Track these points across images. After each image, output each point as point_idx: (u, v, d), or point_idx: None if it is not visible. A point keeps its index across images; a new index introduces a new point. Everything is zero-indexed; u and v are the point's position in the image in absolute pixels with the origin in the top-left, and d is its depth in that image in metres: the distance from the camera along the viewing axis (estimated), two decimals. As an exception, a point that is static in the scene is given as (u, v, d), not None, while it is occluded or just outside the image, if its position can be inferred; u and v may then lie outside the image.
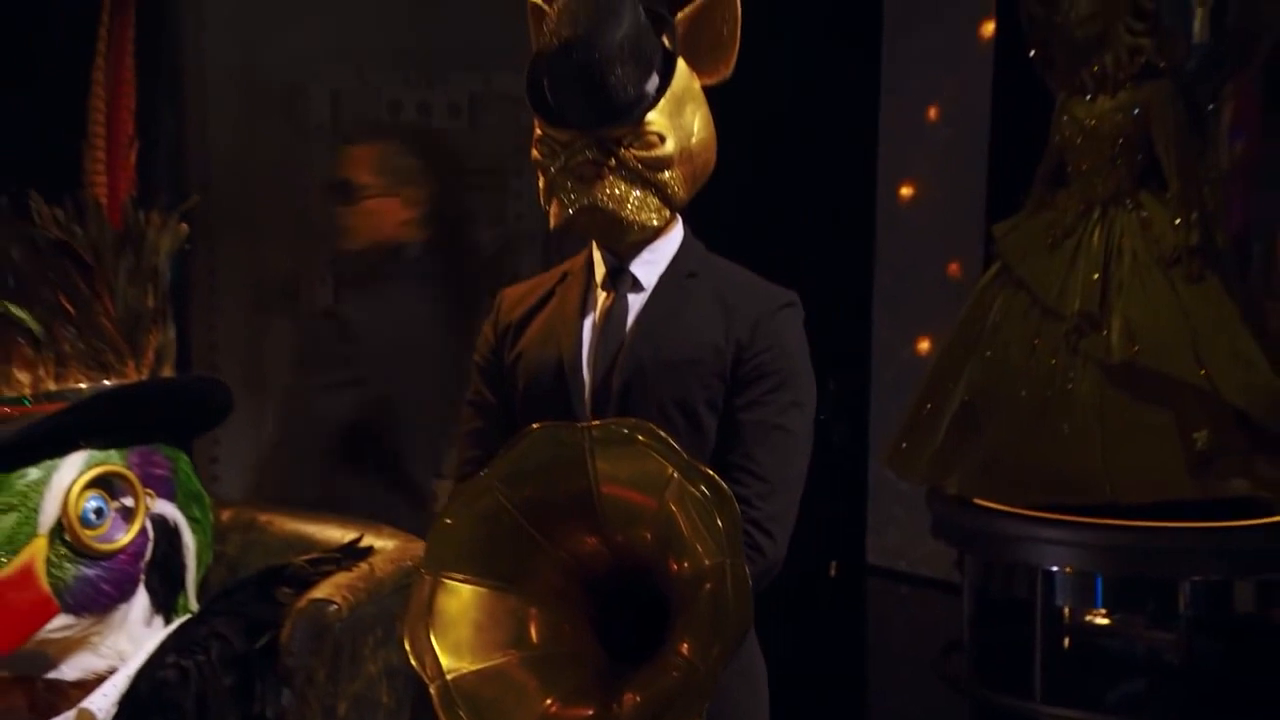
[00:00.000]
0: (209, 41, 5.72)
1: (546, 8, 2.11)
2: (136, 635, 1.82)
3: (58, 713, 1.77)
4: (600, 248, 2.11)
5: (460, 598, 1.60)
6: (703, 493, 1.50)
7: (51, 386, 1.75)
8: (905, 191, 5.57)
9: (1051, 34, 4.23)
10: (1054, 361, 4.10)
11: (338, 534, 2.04)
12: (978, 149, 5.21)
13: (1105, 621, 4.52)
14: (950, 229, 5.37)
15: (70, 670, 1.78)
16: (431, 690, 1.56)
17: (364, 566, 1.91)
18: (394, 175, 3.74)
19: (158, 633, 1.84)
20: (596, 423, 1.63)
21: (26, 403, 1.75)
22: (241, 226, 5.18)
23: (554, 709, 1.55)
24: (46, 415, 1.72)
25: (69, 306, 1.76)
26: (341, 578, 1.87)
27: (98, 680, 1.79)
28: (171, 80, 5.72)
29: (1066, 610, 4.45)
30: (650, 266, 2.08)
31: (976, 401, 4.24)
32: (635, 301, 2.06)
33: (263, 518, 2.10)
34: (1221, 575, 4.14)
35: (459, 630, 1.60)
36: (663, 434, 1.53)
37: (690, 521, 1.51)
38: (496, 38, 5.66)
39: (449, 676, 1.56)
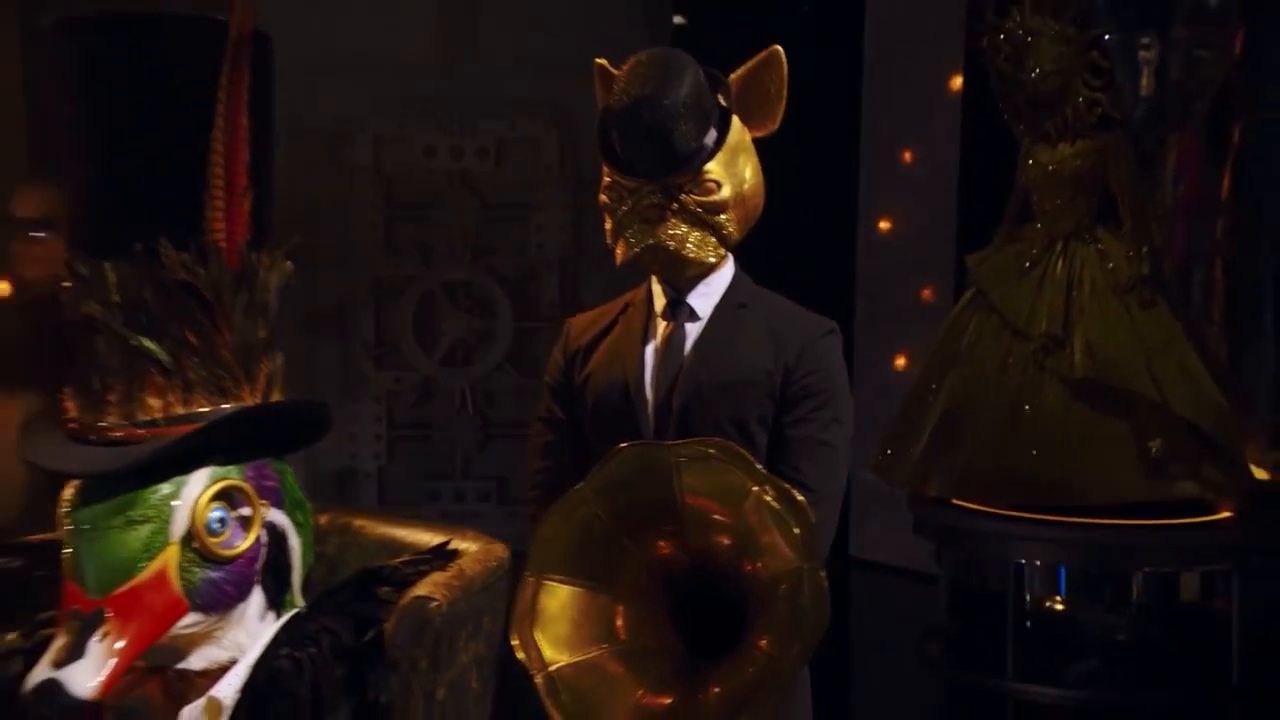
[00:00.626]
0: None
1: (613, 70, 2.13)
2: (253, 629, 1.82)
3: (187, 700, 1.77)
4: (660, 282, 2.13)
5: (559, 597, 1.62)
6: (779, 504, 1.52)
7: (179, 410, 1.76)
8: (883, 225, 5.62)
9: (1018, 88, 4.26)
10: (1023, 377, 4.13)
11: (424, 537, 2.04)
12: (947, 187, 5.26)
13: (1063, 607, 4.53)
14: (923, 258, 5.40)
15: (197, 661, 1.78)
16: (537, 680, 1.57)
17: (455, 567, 1.92)
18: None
19: (270, 627, 1.85)
20: (683, 442, 1.64)
21: (158, 425, 1.76)
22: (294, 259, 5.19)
23: (643, 698, 1.56)
24: (176, 437, 1.72)
25: (193, 339, 1.77)
26: (437, 577, 1.88)
27: (220, 670, 1.79)
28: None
29: (1027, 597, 4.47)
30: (706, 299, 2.11)
31: (954, 413, 4.26)
32: (692, 330, 2.09)
33: (356, 522, 2.11)
34: (1170, 567, 4.20)
35: (558, 626, 1.61)
36: (743, 452, 1.55)
37: (767, 530, 1.53)
38: (520, 90, 5.73)
39: (551, 668, 1.58)
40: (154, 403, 1.75)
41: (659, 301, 2.13)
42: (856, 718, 4.41)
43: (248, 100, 1.81)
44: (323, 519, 2.02)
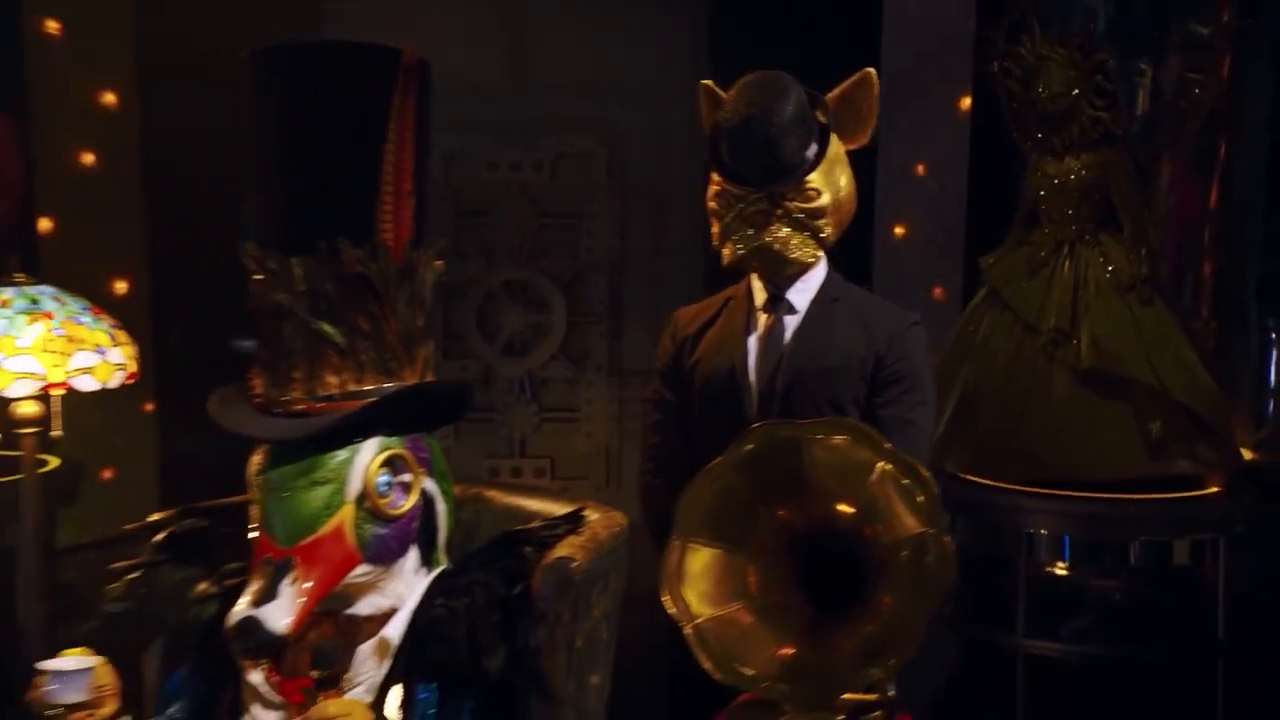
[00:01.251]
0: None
1: (719, 91, 2.16)
2: (409, 582, 1.86)
3: (357, 640, 1.81)
4: (760, 279, 2.16)
5: (701, 558, 1.64)
6: (904, 477, 1.54)
7: (353, 387, 1.80)
8: (898, 231, 5.60)
9: (1029, 108, 4.27)
10: (1034, 367, 4.15)
11: (548, 506, 2.09)
12: (957, 198, 5.26)
13: (1065, 572, 4.55)
14: (934, 261, 5.38)
15: (364, 607, 1.83)
16: (687, 631, 1.60)
17: (588, 531, 1.96)
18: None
19: (423, 581, 1.89)
20: (813, 422, 1.66)
21: (335, 399, 1.80)
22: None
23: (778, 649, 1.58)
24: (351, 410, 1.77)
25: (365, 326, 1.81)
26: (574, 540, 1.92)
27: (383, 616, 1.83)
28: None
29: (1035, 562, 4.49)
30: (803, 294, 2.14)
31: (970, 399, 4.28)
32: (791, 322, 2.13)
33: (487, 493, 2.14)
34: (1164, 536, 4.24)
35: (701, 584, 1.64)
36: (870, 431, 1.57)
37: (890, 499, 1.55)
38: (574, 111, 5.75)
39: (698, 621, 1.60)
40: (331, 380, 1.80)
41: (759, 296, 2.16)
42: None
43: (414, 119, 1.84)
44: (457, 490, 2.06)
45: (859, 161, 5.50)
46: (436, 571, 1.90)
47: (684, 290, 5.48)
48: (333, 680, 1.60)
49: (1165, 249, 4.31)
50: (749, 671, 1.55)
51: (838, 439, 1.59)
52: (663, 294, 5.71)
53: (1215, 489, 4.09)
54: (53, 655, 2.00)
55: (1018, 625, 4.15)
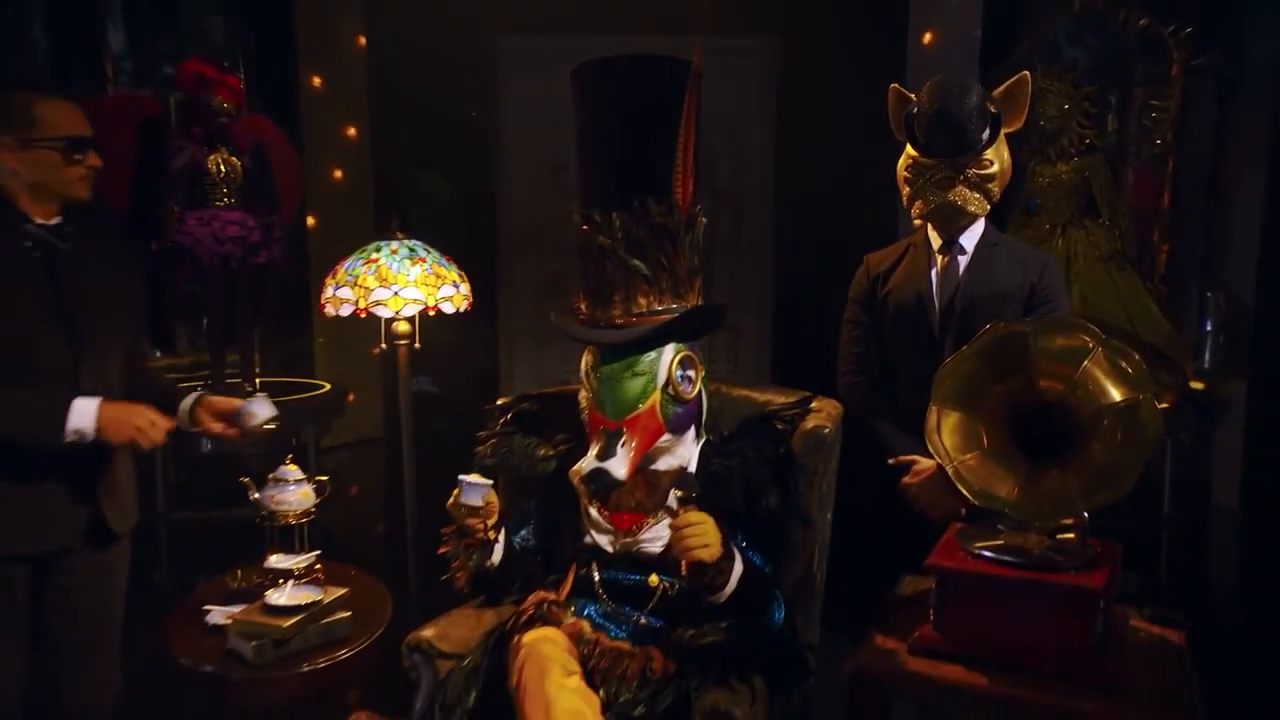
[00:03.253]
0: (507, 138, 5.65)
1: (906, 92, 2.10)
2: (690, 448, 1.84)
3: (657, 490, 1.78)
4: (935, 229, 2.11)
5: (950, 419, 1.61)
6: (1119, 357, 1.50)
7: (657, 307, 1.78)
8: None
9: (1030, 127, 4.15)
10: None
11: (771, 396, 2.01)
12: None
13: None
14: None
15: (661, 465, 1.81)
16: (949, 469, 1.56)
17: (822, 411, 1.92)
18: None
19: (698, 447, 1.84)
20: (1041, 319, 1.59)
21: (645, 315, 1.78)
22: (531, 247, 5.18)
23: (1014, 486, 1.52)
24: (658, 323, 1.75)
25: (664, 262, 1.78)
26: (816, 415, 1.89)
27: (674, 471, 1.79)
28: (488, 157, 5.72)
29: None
30: (970, 239, 2.09)
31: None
32: (962, 261, 2.08)
33: (724, 388, 2.06)
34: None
35: (950, 438, 1.60)
36: (1089, 326, 1.52)
37: (1104, 373, 1.49)
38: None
39: (954, 462, 1.56)
40: (642, 301, 1.78)
41: (936, 242, 2.12)
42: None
43: (695, 112, 1.80)
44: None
45: (887, 169, 5.48)
46: (702, 441, 1.87)
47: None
48: (692, 499, 1.58)
49: (1132, 232, 4.19)
50: (1002, 494, 1.50)
51: (1065, 329, 1.54)
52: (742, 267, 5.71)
53: (1165, 405, 4.00)
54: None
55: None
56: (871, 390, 2.18)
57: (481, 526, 1.74)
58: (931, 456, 2.00)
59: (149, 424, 1.72)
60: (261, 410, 1.86)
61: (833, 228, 4.79)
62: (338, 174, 5.62)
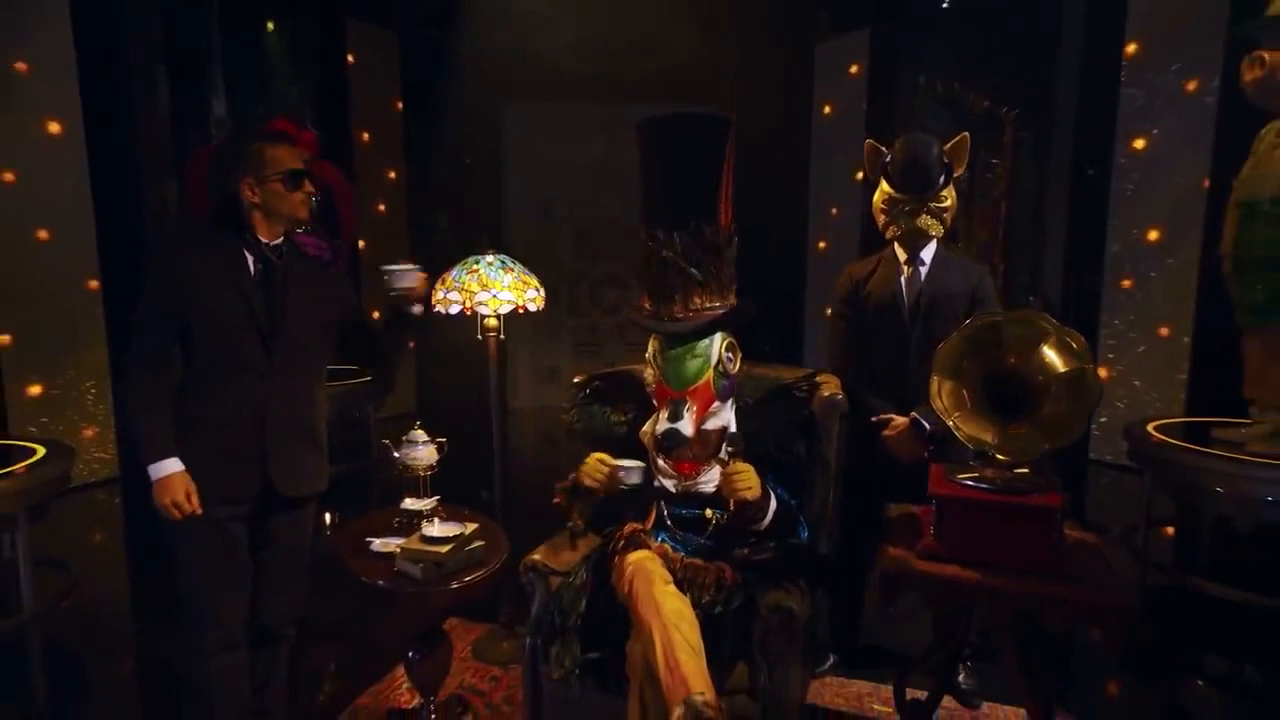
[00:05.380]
0: (509, 180, 5.52)
1: (882, 147, 2.09)
2: (729, 411, 1.78)
3: (708, 444, 1.72)
4: (901, 247, 2.11)
5: (946, 385, 1.58)
6: (1067, 337, 1.50)
7: (708, 305, 1.72)
8: (821, 245, 5.50)
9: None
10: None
11: (782, 373, 1.93)
12: (856, 228, 5.08)
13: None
14: (840, 262, 5.29)
15: (710, 425, 1.75)
16: (949, 422, 1.53)
17: (830, 383, 1.87)
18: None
19: (732, 412, 1.79)
20: (1012, 311, 1.57)
21: (700, 311, 1.72)
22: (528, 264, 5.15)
23: (994, 431, 1.51)
24: (710, 318, 1.70)
25: (713, 270, 1.73)
26: (826, 387, 1.84)
27: (719, 431, 1.74)
28: (496, 195, 5.58)
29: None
30: (928, 254, 2.09)
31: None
32: (922, 270, 2.08)
33: (745, 366, 2.00)
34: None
35: (946, 399, 1.56)
36: (1047, 316, 1.50)
37: (1053, 352, 1.49)
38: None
39: (952, 417, 1.55)
40: (696, 301, 1.72)
41: (902, 256, 2.11)
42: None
43: (733, 155, 1.76)
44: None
45: (795, 202, 5.50)
46: (733, 407, 1.83)
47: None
48: (740, 454, 1.54)
49: (977, 254, 4.31)
50: (987, 439, 1.50)
51: (1027, 320, 1.53)
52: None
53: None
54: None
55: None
56: (857, 368, 2.16)
57: (606, 491, 1.69)
58: (903, 416, 2.03)
59: (173, 505, 1.56)
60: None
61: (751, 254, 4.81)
62: (381, 208, 5.41)
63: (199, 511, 1.57)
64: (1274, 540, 2.82)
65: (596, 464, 1.67)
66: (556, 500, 1.72)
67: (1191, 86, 4.08)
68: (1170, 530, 3.29)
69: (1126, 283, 4.32)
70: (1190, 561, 2.98)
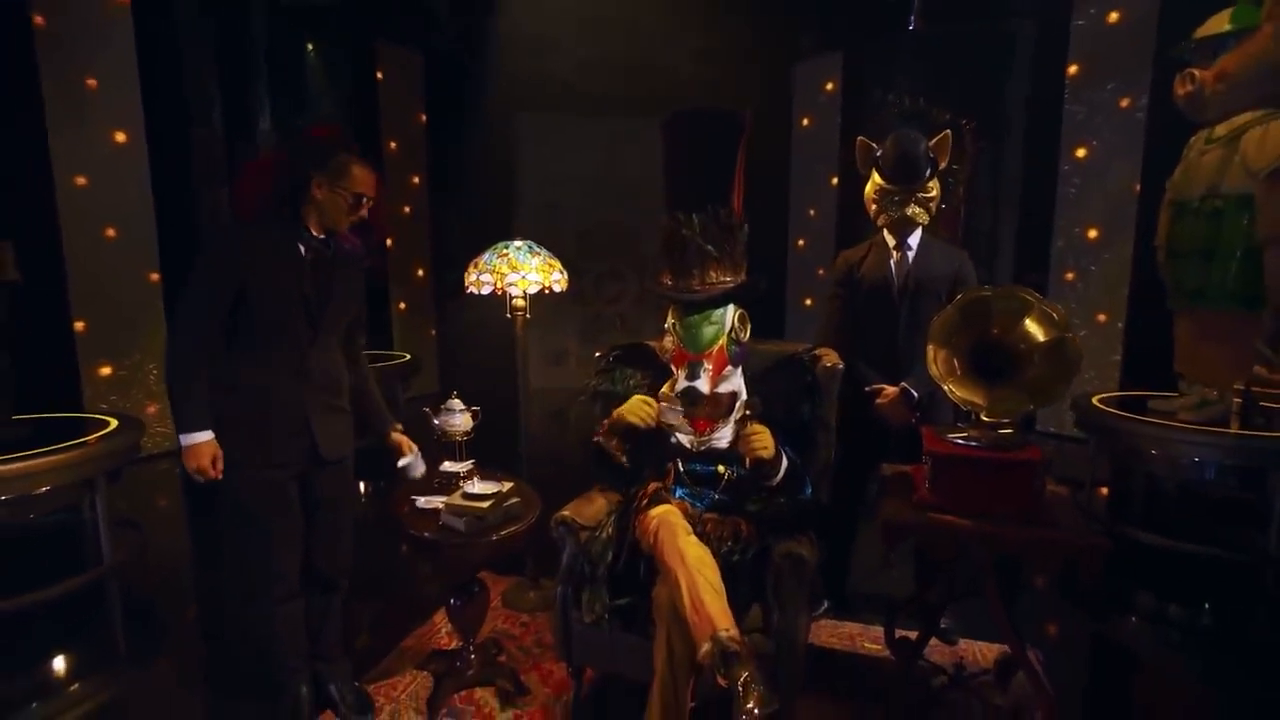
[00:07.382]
0: (520, 184, 5.41)
1: (871, 143, 2.03)
2: (738, 377, 1.70)
3: (720, 405, 1.65)
4: (890, 233, 2.05)
5: (941, 353, 1.53)
6: (1047, 308, 1.45)
7: (724, 279, 1.64)
8: (800, 243, 5.45)
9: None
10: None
11: (784, 346, 1.85)
12: (831, 228, 5.03)
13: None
14: (821, 260, 5.26)
15: (723, 388, 1.67)
16: (945, 387, 1.48)
17: (829, 355, 1.79)
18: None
19: (741, 378, 1.72)
20: (1001, 287, 1.53)
21: (716, 284, 1.64)
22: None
23: (982, 392, 1.47)
24: (725, 290, 1.62)
25: (728, 248, 1.65)
26: (826, 359, 1.77)
27: (731, 394, 1.66)
28: (509, 198, 5.46)
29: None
30: (915, 240, 2.03)
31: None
32: (910, 255, 2.02)
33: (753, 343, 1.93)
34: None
35: (942, 366, 1.51)
36: (1031, 291, 1.46)
37: (1038, 323, 1.45)
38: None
39: (947, 382, 1.50)
40: (712, 275, 1.65)
41: (891, 241, 2.05)
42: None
43: (746, 147, 1.69)
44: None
45: (775, 206, 5.45)
46: (743, 375, 1.76)
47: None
48: (756, 417, 1.48)
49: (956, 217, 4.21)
50: (978, 401, 1.46)
51: (1013, 295, 1.48)
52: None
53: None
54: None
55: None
56: (852, 342, 2.11)
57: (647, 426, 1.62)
58: (894, 386, 1.98)
59: (199, 470, 1.52)
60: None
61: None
62: (406, 209, 5.31)
63: (220, 477, 1.53)
64: (1196, 495, 2.83)
65: (641, 403, 1.61)
66: (596, 439, 1.65)
67: (1125, 103, 4.05)
68: (1105, 490, 3.28)
69: (1069, 275, 4.30)
70: (1125, 514, 2.97)
